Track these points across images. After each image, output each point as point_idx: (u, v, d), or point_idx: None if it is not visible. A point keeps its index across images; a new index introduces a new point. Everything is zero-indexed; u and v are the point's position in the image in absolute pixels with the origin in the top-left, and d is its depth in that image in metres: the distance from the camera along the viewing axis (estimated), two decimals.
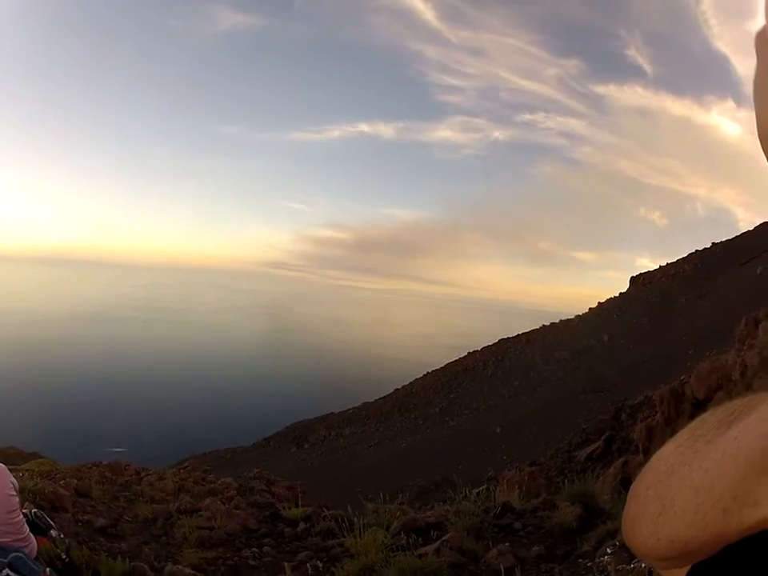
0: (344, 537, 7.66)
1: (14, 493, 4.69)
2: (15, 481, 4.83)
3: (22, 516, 4.77)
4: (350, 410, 79.58)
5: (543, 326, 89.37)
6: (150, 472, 16.78)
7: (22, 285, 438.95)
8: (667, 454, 0.78)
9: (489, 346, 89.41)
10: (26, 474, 22.61)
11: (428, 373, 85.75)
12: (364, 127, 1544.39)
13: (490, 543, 6.67)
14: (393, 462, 51.86)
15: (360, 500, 11.18)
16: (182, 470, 17.02)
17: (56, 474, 18.93)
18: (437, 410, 70.46)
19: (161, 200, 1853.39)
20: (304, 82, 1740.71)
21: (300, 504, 9.98)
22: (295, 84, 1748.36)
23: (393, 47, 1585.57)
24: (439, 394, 76.56)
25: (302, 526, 8.99)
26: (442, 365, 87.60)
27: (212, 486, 13.84)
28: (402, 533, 7.38)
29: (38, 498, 9.60)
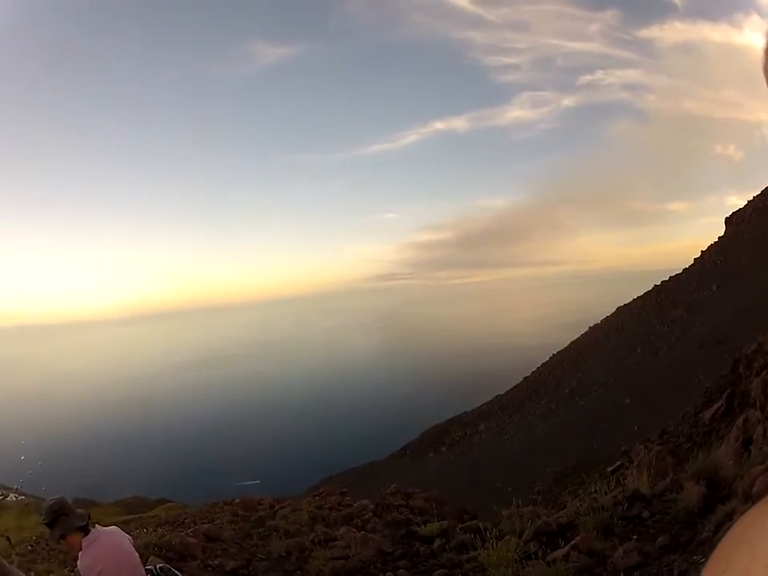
0: (478, 550, 7.45)
1: (133, 549, 4.82)
2: (130, 537, 4.92)
3: (145, 572, 4.90)
4: (482, 405, 79.10)
5: (655, 286, 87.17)
6: (285, 504, 16.53)
7: (134, 343, 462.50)
8: None
9: (608, 316, 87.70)
10: (152, 522, 23.23)
11: (554, 355, 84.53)
12: (438, 125, 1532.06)
13: (617, 540, 6.62)
14: (529, 451, 51.31)
15: (500, 497, 10.73)
16: (317, 497, 16.30)
17: (185, 519, 19.30)
18: (567, 391, 68.99)
19: (250, 238, 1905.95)
20: (366, 96, 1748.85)
21: (438, 515, 9.94)
22: (357, 99, 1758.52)
23: (439, 41, 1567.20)
24: (567, 374, 75.27)
25: (437, 542, 8.70)
26: (566, 345, 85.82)
27: (348, 510, 13.49)
28: (534, 539, 7.23)
29: (164, 551, 9.60)
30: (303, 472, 76.91)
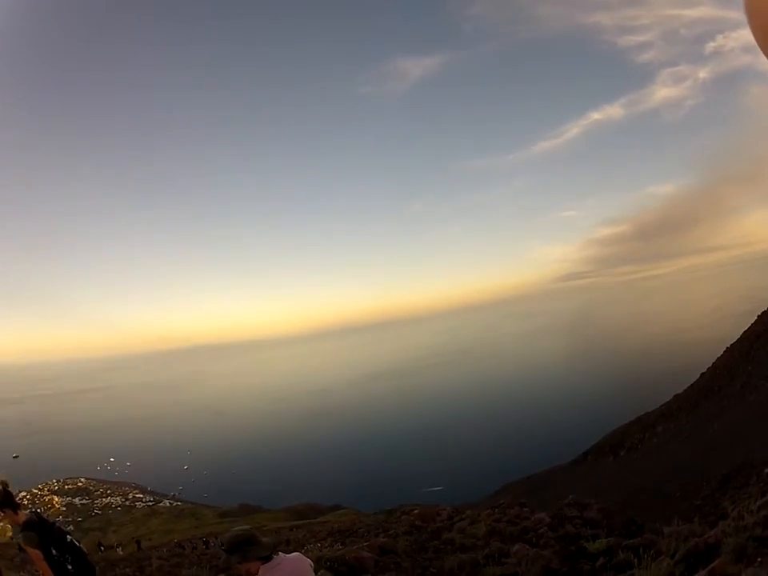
0: (635, 569, 7.47)
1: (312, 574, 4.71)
2: (311, 563, 4.76)
3: None
4: (662, 405, 75.34)
5: None
6: (464, 516, 16.27)
7: (324, 357, 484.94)
8: None
9: None
10: (321, 530, 23.46)
11: (727, 348, 78.43)
12: (595, 115, 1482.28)
13: (744, 564, 6.22)
14: (699, 453, 47.83)
15: (669, 505, 10.08)
16: (496, 509, 16.06)
17: (359, 529, 19.37)
18: (738, 386, 63.54)
19: (433, 247, 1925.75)
20: (516, 96, 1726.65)
21: (608, 527, 10.03)
22: (509, 101, 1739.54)
23: (571, 29, 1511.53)
24: (738, 368, 69.27)
25: (600, 560, 8.64)
26: (738, 335, 79.84)
27: (525, 524, 13.23)
28: (684, 560, 7.14)
29: (336, 564, 9.68)
30: (486, 477, 77.09)
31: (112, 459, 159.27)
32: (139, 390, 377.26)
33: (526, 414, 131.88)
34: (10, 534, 44.43)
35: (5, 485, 5.32)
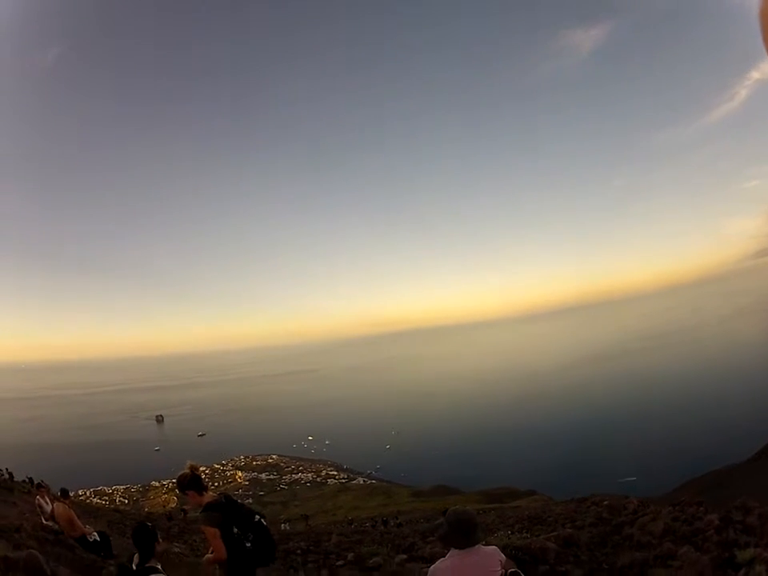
0: None
1: (499, 569, 4.82)
2: (503, 557, 4.96)
3: None
4: None
5: None
6: (647, 511, 16.08)
7: (534, 340, 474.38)
8: None
9: None
10: (512, 515, 24.02)
11: None
12: (755, 75, 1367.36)
13: None
14: None
15: None
16: (676, 507, 15.70)
17: (548, 517, 19.93)
18: None
19: (635, 224, 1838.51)
20: (679, 61, 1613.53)
21: (763, 534, 9.49)
22: (675, 69, 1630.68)
23: None
24: None
25: (742, 571, 8.33)
26: None
27: (697, 525, 12.91)
28: None
29: (519, 553, 10.26)
30: (679, 468, 73.70)
31: (310, 438, 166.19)
32: (346, 372, 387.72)
33: (729, 403, 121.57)
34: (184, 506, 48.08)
35: (194, 468, 5.82)
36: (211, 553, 5.61)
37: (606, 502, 19.09)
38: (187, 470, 5.75)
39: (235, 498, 6.05)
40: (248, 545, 5.54)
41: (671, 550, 9.92)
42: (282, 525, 50.73)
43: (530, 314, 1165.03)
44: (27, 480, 32.50)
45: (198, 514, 5.95)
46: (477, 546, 4.74)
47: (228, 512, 5.59)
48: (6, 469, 32.69)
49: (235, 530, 5.53)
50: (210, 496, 5.75)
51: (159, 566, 5.49)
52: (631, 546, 11.12)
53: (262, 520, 5.79)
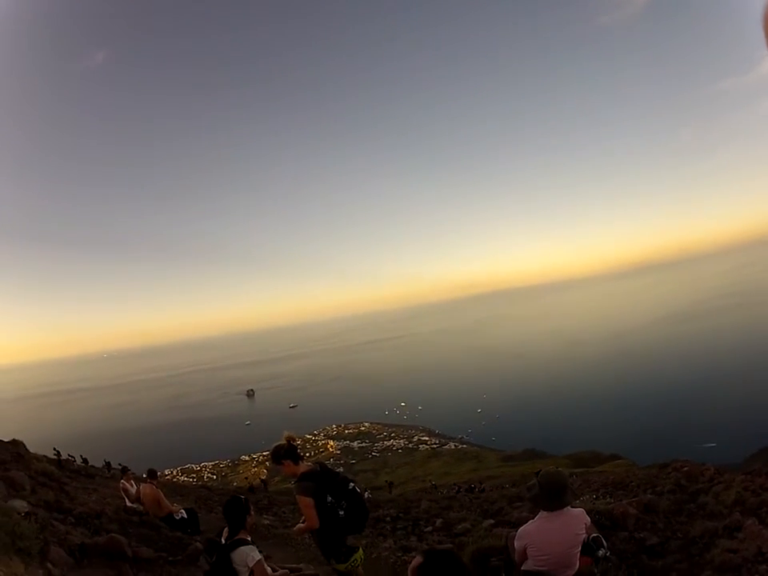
0: None
1: (583, 532, 5.06)
2: (588, 520, 5.18)
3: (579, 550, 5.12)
4: None
5: None
6: (722, 479, 15.55)
7: (620, 298, 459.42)
8: None
9: None
10: (597, 481, 24.56)
11: None
12: None
13: None
14: None
15: None
16: (748, 476, 14.98)
17: (630, 482, 20.10)
18: None
19: (706, 177, 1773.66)
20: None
21: None
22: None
23: None
24: None
25: None
26: None
27: (764, 496, 12.19)
28: None
29: (601, 518, 10.61)
30: (758, 436, 72.28)
31: (402, 404, 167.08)
32: (436, 336, 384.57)
33: None
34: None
35: (291, 439, 5.99)
36: (303, 522, 5.86)
37: (685, 468, 18.74)
38: (284, 441, 5.96)
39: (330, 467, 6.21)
40: (341, 513, 5.68)
41: (738, 521, 9.77)
42: (366, 493, 50.56)
43: (610, 272, 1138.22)
44: (105, 465, 33.67)
45: (292, 484, 6.08)
46: (565, 509, 4.98)
47: (322, 481, 5.75)
48: (81, 455, 32.65)
49: (329, 498, 5.66)
50: (305, 466, 5.94)
51: (249, 538, 5.74)
52: (704, 516, 11.15)
53: (356, 487, 5.91)
